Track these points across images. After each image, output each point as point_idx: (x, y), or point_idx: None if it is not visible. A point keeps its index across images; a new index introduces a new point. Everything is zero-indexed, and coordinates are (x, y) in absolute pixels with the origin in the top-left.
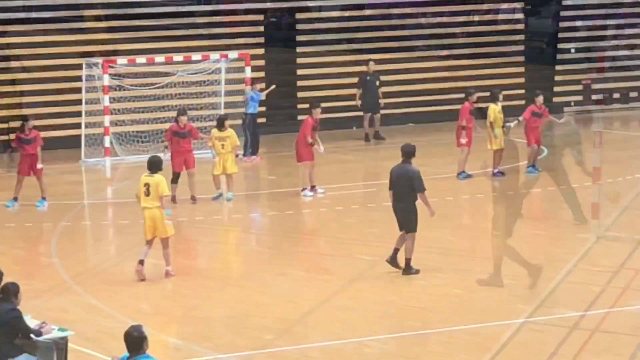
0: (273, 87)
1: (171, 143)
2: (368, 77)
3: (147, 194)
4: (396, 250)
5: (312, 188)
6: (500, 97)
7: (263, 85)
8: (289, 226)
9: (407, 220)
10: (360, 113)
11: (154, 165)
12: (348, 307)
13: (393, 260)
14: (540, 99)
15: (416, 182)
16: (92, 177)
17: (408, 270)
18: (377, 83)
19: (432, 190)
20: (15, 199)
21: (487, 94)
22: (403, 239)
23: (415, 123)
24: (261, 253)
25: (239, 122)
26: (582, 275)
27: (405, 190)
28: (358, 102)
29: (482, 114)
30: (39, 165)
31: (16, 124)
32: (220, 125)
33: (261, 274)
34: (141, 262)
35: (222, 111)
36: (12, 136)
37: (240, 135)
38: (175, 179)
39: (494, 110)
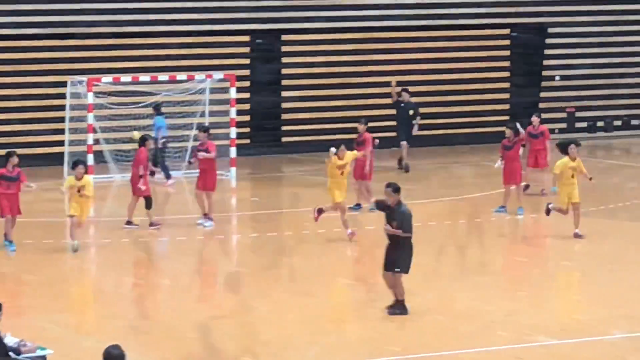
0: None
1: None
2: (402, 105)
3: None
4: None
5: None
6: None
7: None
8: (270, 248)
9: None
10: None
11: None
12: (328, 330)
13: None
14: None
15: None
16: None
17: None
18: (411, 112)
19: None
20: None
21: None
22: None
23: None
24: (242, 274)
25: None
26: (562, 303)
27: None
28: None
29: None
30: None
31: None
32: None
33: (242, 295)
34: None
35: None
36: None
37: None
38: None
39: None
